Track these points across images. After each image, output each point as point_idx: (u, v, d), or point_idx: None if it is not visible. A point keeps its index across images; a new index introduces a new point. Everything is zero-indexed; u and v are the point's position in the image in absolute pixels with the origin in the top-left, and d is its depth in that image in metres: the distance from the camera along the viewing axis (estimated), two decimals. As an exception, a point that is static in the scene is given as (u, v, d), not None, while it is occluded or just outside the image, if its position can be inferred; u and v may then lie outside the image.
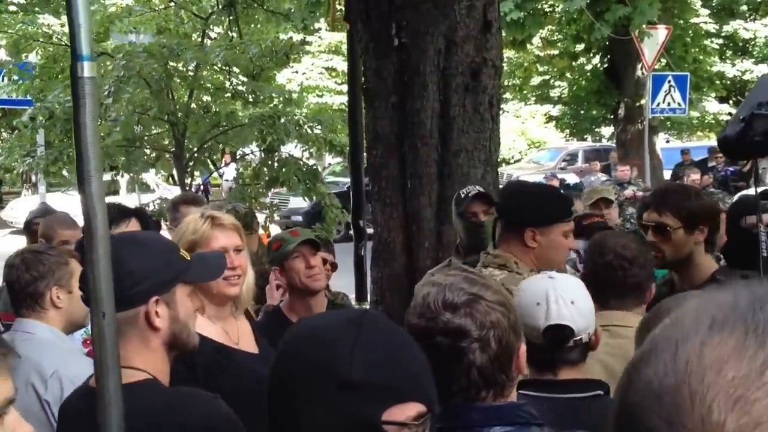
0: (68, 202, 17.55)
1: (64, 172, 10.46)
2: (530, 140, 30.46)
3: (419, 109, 5.01)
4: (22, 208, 19.50)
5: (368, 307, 5.02)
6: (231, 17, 10.82)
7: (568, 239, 3.04)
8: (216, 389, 2.31)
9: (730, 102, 23.46)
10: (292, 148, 10.54)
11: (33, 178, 21.60)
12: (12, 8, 19.93)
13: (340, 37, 21.10)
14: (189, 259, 2.09)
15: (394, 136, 5.13)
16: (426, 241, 4.86)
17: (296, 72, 26.73)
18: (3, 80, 15.43)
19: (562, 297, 2.03)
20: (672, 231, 3.16)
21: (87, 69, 1.52)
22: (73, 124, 1.62)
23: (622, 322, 2.48)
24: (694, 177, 13.25)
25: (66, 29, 13.18)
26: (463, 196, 3.85)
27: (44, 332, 2.91)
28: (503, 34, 14.31)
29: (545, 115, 27.34)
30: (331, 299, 4.29)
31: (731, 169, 15.57)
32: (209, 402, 1.97)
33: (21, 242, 14.88)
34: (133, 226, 3.80)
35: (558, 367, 1.98)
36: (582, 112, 21.75)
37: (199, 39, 10.30)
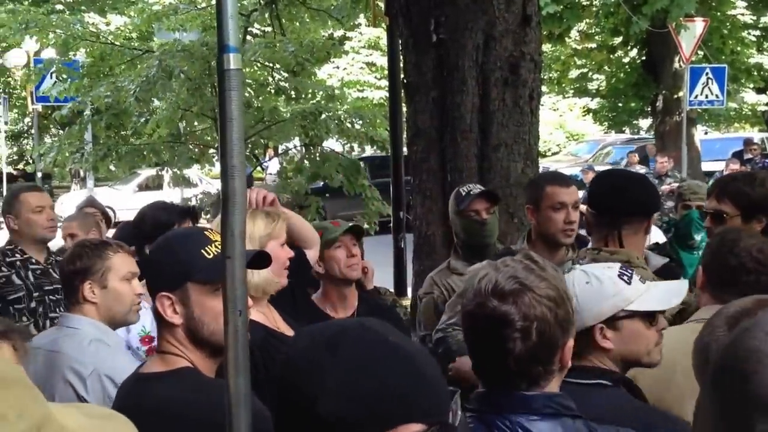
0: (114, 196, 18.01)
1: (111, 167, 10.72)
2: (569, 133, 30.33)
3: (459, 104, 5.12)
4: (71, 202, 19.94)
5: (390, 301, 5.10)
6: (273, 14, 10.97)
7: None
8: (274, 370, 2.48)
9: (767, 93, 23.17)
10: (333, 143, 10.69)
11: (81, 173, 21.99)
12: (59, 7, 20.37)
13: (380, 33, 21.18)
14: (210, 257, 2.05)
15: (435, 130, 5.25)
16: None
17: (337, 67, 26.88)
18: (51, 78, 15.84)
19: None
20: (728, 218, 3.20)
21: (233, 61, 1.46)
22: (218, 117, 1.57)
23: None
24: (733, 167, 13.21)
25: (112, 28, 13.51)
26: (464, 193, 3.76)
27: (89, 327, 2.85)
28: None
29: (583, 108, 27.18)
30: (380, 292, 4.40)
31: (768, 160, 15.47)
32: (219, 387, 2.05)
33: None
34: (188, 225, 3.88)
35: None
36: (620, 104, 21.62)
37: (241, 36, 10.46)
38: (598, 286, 2.06)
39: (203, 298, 2.04)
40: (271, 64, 10.35)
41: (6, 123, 25.57)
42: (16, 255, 4.10)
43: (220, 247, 2.04)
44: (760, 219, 3.24)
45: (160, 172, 10.80)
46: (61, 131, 18.36)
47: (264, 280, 2.71)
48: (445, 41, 5.21)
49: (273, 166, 15.91)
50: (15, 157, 30.56)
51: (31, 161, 24.44)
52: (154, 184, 19.30)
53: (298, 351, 1.35)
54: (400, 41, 5.85)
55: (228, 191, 1.49)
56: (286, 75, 11.84)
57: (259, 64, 10.50)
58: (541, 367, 1.69)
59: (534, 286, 1.69)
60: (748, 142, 17.76)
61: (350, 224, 3.80)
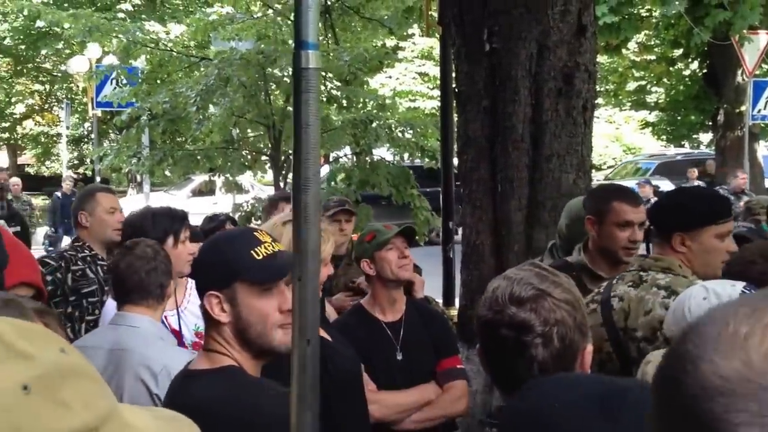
0: (170, 201, 18.30)
1: (167, 172, 10.87)
2: (625, 146, 29.89)
3: (511, 114, 5.06)
4: (128, 207, 20.26)
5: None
6: (327, 23, 11.03)
7: (725, 242, 2.91)
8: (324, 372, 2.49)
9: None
10: (383, 152, 10.70)
11: (138, 177, 22.42)
12: (120, 15, 20.84)
13: (433, 43, 21.19)
14: (259, 258, 2.06)
15: (486, 139, 5.19)
16: (515, 245, 4.90)
17: (390, 77, 26.99)
18: (111, 84, 16.20)
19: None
20: None
21: (312, 59, 1.33)
22: (293, 122, 1.42)
23: None
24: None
25: (171, 36, 13.76)
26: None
27: (149, 325, 2.96)
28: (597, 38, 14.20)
29: (641, 121, 26.78)
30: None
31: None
32: (284, 395, 2.03)
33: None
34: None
35: None
36: (679, 118, 21.23)
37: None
38: (717, 303, 2.00)
39: (251, 298, 2.05)
40: (324, 73, 10.40)
41: (68, 128, 26.23)
42: (86, 251, 4.21)
43: (269, 248, 2.11)
44: None
45: (212, 178, 10.93)
46: (119, 136, 18.79)
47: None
48: (498, 51, 5.15)
49: (324, 173, 16.04)
50: (75, 162, 31.35)
51: (90, 165, 25.04)
52: (206, 189, 19.58)
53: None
54: (452, 50, 5.80)
55: (301, 205, 1.34)
56: (338, 84, 11.94)
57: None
58: (565, 372, 1.66)
59: (551, 292, 1.68)
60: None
61: (403, 226, 3.80)
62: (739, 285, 2.06)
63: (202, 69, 11.41)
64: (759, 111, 13.57)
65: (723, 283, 2.13)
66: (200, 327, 3.39)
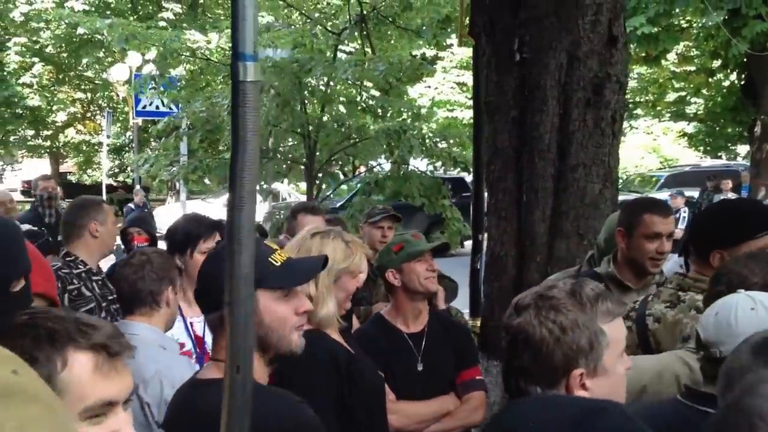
0: (207, 209, 18.49)
1: (206, 180, 11.02)
2: (663, 157, 29.57)
3: (538, 123, 5.06)
4: (166, 215, 20.59)
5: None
6: (363, 33, 11.13)
7: None
8: (352, 384, 2.58)
9: None
10: (419, 162, 10.75)
11: (177, 185, 22.72)
12: (162, 23, 21.14)
13: (471, 53, 21.14)
14: (278, 264, 2.09)
15: (513, 150, 5.19)
16: (537, 256, 4.89)
17: (428, 87, 27.04)
18: (149, 91, 16.47)
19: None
20: None
21: (251, 71, 1.25)
22: (231, 137, 1.33)
23: None
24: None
25: (212, 45, 13.97)
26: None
27: (147, 333, 2.93)
28: (635, 49, 14.10)
29: (679, 132, 26.49)
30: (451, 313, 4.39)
31: None
32: (294, 405, 2.05)
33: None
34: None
35: None
36: (717, 129, 20.99)
37: (332, 54, 10.64)
38: (764, 315, 1.98)
39: (273, 305, 2.09)
40: (359, 82, 10.49)
41: (108, 137, 26.66)
42: (80, 266, 4.01)
43: (282, 255, 2.17)
44: None
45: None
46: (159, 144, 19.05)
47: (330, 314, 2.74)
48: (527, 60, 5.16)
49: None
50: (116, 170, 31.82)
51: (130, 173, 25.40)
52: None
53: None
54: (483, 60, 5.82)
55: (233, 227, 1.23)
56: (375, 93, 12.00)
57: (349, 82, 10.66)
58: (539, 389, 1.68)
59: (547, 306, 1.70)
60: None
61: (437, 242, 3.79)
62: None
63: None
64: (797, 122, 13.40)
65: None
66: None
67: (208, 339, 3.56)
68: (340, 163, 11.70)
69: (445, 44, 23.27)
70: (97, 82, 28.52)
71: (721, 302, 2.00)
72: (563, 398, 1.31)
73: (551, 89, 5.07)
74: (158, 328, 2.98)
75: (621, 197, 5.80)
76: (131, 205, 17.48)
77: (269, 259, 2.12)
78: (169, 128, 11.39)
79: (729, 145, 23.49)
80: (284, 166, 10.86)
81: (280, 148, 10.47)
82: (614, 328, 1.74)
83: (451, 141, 10.01)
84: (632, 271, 3.39)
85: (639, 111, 27.49)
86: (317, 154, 10.13)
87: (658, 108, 24.92)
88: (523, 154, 5.14)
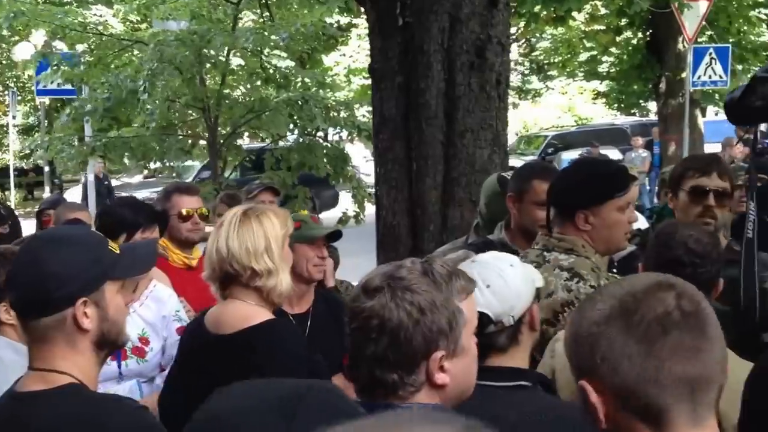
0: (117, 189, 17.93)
1: (125, 160, 10.60)
2: (577, 117, 30.03)
3: (424, 90, 4.96)
4: (74, 196, 19.98)
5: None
6: (262, 1, 10.82)
7: (626, 213, 2.84)
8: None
9: (780, 72, 22.78)
10: (331, 133, 10.58)
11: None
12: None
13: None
14: (118, 252, 1.97)
15: (401, 117, 5.09)
16: (431, 225, 4.82)
17: (343, 55, 26.78)
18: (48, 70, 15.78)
19: (479, 285, 1.94)
20: (731, 197, 3.20)
21: None
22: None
23: None
24: (737, 148, 12.94)
25: (104, 18, 13.41)
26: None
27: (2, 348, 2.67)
28: (541, 9, 14.12)
29: (593, 91, 26.91)
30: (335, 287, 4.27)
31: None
32: (133, 412, 1.90)
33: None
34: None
35: (485, 354, 1.89)
36: (627, 87, 21.36)
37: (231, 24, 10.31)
38: (521, 266, 2.08)
39: (114, 295, 1.93)
40: (260, 52, 10.21)
41: (14, 117, 25.64)
42: None
43: (113, 243, 2.02)
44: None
45: (146, 166, 10.71)
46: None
47: (290, 287, 2.69)
48: (410, 25, 5.04)
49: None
50: (27, 152, 30.70)
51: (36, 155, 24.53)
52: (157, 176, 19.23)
53: (242, 417, 1.05)
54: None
55: None
56: (284, 63, 11.73)
57: (250, 53, 10.37)
58: (396, 375, 1.58)
59: (401, 287, 1.59)
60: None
61: (332, 228, 3.68)
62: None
63: (136, 52, 11.18)
64: (699, 77, 13.59)
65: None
66: (147, 332, 3.30)
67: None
68: (244, 137, 11.46)
69: (358, 11, 23.00)
70: (3, 61, 27.35)
71: (479, 278, 1.91)
72: (270, 382, 1.21)
73: (435, 53, 4.96)
74: (15, 342, 2.63)
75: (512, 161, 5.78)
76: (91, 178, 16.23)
77: (109, 248, 1.97)
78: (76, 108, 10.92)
79: (640, 101, 23.96)
80: (189, 141, 10.54)
81: (180, 124, 10.13)
82: (468, 305, 1.67)
83: (359, 108, 9.89)
84: (524, 237, 3.33)
85: (554, 72, 27.84)
86: (220, 128, 9.85)
87: (571, 68, 25.23)
88: (410, 122, 5.04)
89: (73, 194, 20.24)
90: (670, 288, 1.30)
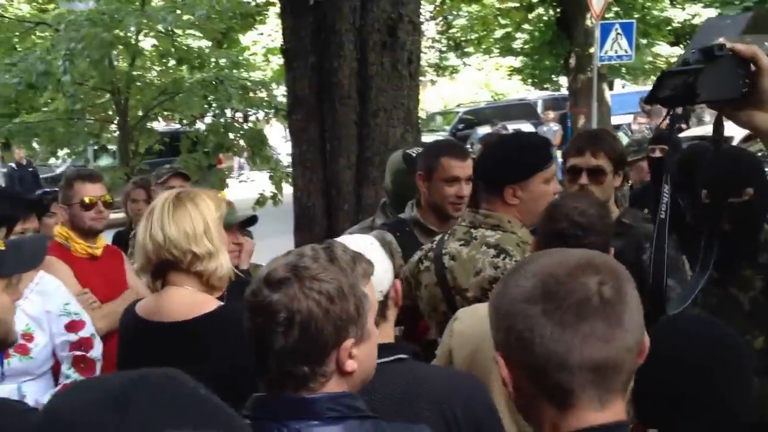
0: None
1: (34, 145, 10.24)
2: (494, 92, 30.39)
3: (337, 69, 4.95)
4: None
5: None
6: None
7: (551, 185, 2.86)
8: None
9: (681, 45, 23.59)
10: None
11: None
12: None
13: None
14: (3, 249, 1.90)
15: (314, 97, 5.07)
16: (345, 204, 4.82)
17: (261, 34, 26.38)
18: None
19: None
20: (606, 174, 3.16)
21: None
22: None
23: None
24: (641, 120, 13.38)
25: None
26: (414, 152, 3.58)
27: None
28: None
29: (509, 67, 27.26)
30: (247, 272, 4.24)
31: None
32: (20, 414, 1.81)
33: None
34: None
35: None
36: (539, 62, 21.74)
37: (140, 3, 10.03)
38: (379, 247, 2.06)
39: (2, 294, 1.87)
40: (172, 30, 9.97)
41: None
42: None
43: None
44: (619, 174, 3.23)
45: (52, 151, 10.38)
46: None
47: (230, 269, 2.60)
48: (321, 4, 5.01)
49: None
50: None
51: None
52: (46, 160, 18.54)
53: (74, 410, 1.00)
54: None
55: None
56: (193, 44, 11.47)
57: (162, 33, 10.14)
58: (306, 368, 1.53)
59: (308, 277, 1.54)
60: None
61: (248, 215, 3.62)
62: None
63: (41, 33, 10.80)
64: (606, 52, 13.92)
65: None
66: (31, 328, 3.15)
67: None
68: (159, 120, 11.22)
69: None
70: None
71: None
72: (102, 377, 1.19)
73: (347, 33, 4.95)
74: None
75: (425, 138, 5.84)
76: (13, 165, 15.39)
77: None
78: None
79: (552, 76, 24.42)
80: (97, 125, 10.25)
81: (89, 108, 9.84)
82: (370, 288, 1.64)
83: (277, 88, 9.75)
84: (435, 215, 3.33)
85: (470, 49, 28.08)
86: (131, 111, 9.61)
87: (486, 45, 25.51)
88: (324, 102, 5.02)
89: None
90: (594, 272, 1.29)
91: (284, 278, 1.54)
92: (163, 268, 2.48)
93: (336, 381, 1.57)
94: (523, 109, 21.53)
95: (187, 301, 2.45)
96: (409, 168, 3.49)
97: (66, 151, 11.02)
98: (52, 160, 16.82)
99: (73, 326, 3.16)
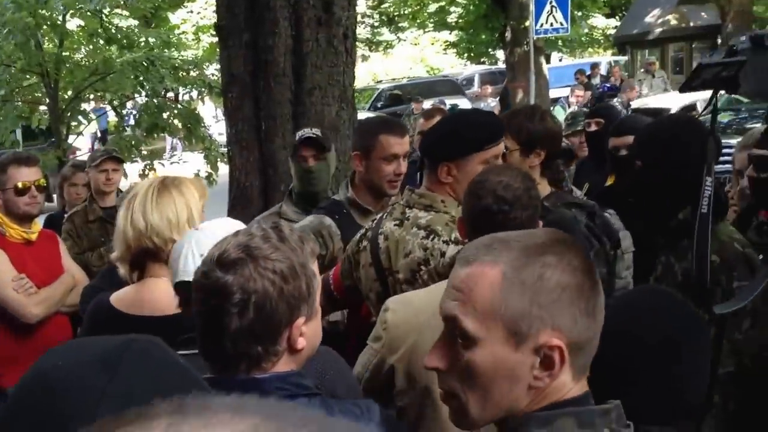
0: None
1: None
2: (429, 67, 30.44)
3: (272, 46, 4.89)
4: None
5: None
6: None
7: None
8: None
9: (617, 17, 23.96)
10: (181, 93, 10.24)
11: None
12: None
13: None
14: None
15: (249, 75, 5.00)
16: (282, 185, 4.77)
17: (191, 12, 25.92)
18: None
19: (193, 251, 1.95)
20: (508, 153, 3.09)
21: None
22: None
23: None
24: (578, 93, 13.57)
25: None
26: (297, 138, 3.66)
27: None
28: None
29: (445, 42, 27.31)
30: None
31: (608, 85, 16.00)
32: None
33: None
34: None
35: None
36: (475, 36, 21.82)
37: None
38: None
39: None
40: (99, 9, 9.72)
41: None
42: None
43: None
44: (538, 152, 3.17)
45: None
46: None
47: None
48: (255, -20, 4.93)
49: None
50: None
51: None
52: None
53: (59, 377, 0.99)
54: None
55: None
56: (126, 22, 11.22)
57: (89, 13, 9.87)
58: (260, 347, 1.55)
59: (261, 257, 1.54)
60: (593, 66, 18.38)
61: None
62: None
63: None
64: (541, 25, 14.03)
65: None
66: None
67: None
68: (89, 101, 10.94)
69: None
70: None
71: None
72: (93, 339, 1.16)
73: (281, 9, 4.89)
74: None
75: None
76: None
77: None
78: None
79: (489, 50, 24.55)
80: (27, 108, 9.96)
81: (17, 90, 9.54)
82: (315, 266, 1.65)
83: (208, 67, 9.62)
84: (371, 193, 3.30)
85: (405, 24, 28.04)
86: (61, 93, 9.35)
87: (419, 20, 25.50)
88: (259, 80, 4.96)
89: None
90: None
91: (238, 259, 1.54)
92: (143, 257, 2.41)
93: (285, 360, 1.59)
94: (447, 86, 21.47)
95: (172, 293, 2.33)
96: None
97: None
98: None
99: None
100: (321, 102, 4.85)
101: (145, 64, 8.79)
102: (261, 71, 4.93)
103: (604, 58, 24.62)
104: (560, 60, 27.85)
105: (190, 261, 1.87)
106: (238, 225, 2.05)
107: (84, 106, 10.44)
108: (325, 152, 3.61)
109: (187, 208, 2.42)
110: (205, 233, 2.00)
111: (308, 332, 1.59)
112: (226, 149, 6.51)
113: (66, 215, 4.85)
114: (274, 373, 1.56)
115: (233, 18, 5.06)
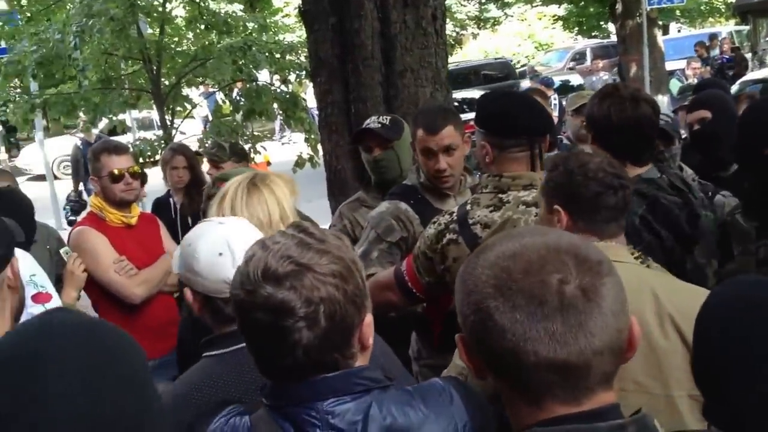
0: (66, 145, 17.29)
1: (81, 114, 10.26)
2: (537, 43, 29.62)
3: (358, 30, 4.72)
4: (31, 154, 19.59)
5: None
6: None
7: None
8: None
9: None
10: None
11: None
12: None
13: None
14: None
15: (337, 59, 4.85)
16: (373, 168, 4.61)
17: (291, -6, 26.14)
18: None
19: (244, 242, 1.84)
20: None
21: None
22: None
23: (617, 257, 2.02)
24: (695, 65, 12.81)
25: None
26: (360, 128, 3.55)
27: None
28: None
29: (553, 16, 26.53)
30: None
31: (727, 56, 15.00)
32: None
33: (39, 188, 14.42)
34: None
35: None
36: (584, 9, 21.05)
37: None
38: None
39: None
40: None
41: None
42: None
43: None
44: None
45: (88, 122, 10.34)
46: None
47: None
48: (338, -38, 4.75)
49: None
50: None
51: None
52: (121, 129, 18.66)
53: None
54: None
55: None
56: (224, 8, 11.33)
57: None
58: (338, 354, 1.46)
59: (313, 264, 1.43)
60: (712, 37, 17.22)
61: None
62: None
63: (69, 6, 10.70)
64: (655, -5, 13.35)
65: (205, 227, 2.09)
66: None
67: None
68: (190, 86, 11.08)
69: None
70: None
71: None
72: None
73: (365, -9, 4.69)
74: None
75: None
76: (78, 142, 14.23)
77: None
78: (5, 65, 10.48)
79: (600, 23, 23.67)
80: (133, 94, 10.18)
81: (120, 77, 9.75)
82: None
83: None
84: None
85: (511, -1, 27.43)
86: (163, 79, 9.48)
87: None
88: (347, 64, 4.80)
89: (30, 152, 19.78)
90: (556, 267, 1.18)
91: (291, 271, 1.43)
92: None
93: (360, 361, 1.52)
94: (501, 67, 20.64)
95: None
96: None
97: (105, 122, 11.01)
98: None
99: (39, 298, 3.11)
100: (414, 84, 4.66)
101: (243, 49, 8.79)
102: (348, 55, 4.77)
103: (726, 27, 23.30)
104: (679, 31, 26.57)
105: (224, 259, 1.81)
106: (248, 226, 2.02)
107: (191, 90, 10.60)
108: (393, 141, 3.45)
109: (279, 206, 2.35)
110: (235, 227, 1.98)
111: (368, 332, 1.52)
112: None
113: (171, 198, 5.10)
114: (345, 371, 1.48)
115: (318, 2, 4.92)
